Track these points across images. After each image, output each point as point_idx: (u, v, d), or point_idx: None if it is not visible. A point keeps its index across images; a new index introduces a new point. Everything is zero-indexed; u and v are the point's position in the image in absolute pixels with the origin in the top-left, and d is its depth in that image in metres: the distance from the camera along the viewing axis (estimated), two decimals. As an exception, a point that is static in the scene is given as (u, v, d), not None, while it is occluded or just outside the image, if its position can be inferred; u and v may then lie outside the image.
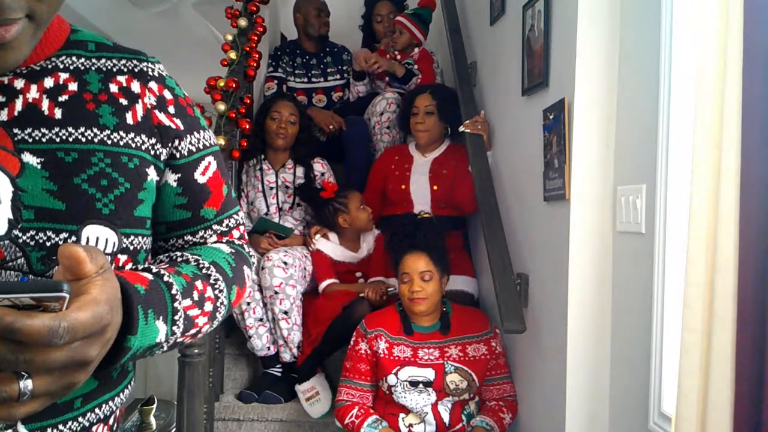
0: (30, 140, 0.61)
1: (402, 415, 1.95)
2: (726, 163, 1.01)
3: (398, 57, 3.02)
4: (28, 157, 0.61)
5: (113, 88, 0.69)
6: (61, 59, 0.67)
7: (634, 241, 1.45)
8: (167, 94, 0.73)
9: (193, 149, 0.74)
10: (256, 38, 2.66)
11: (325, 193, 2.48)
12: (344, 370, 2.03)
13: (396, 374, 1.94)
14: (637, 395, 1.41)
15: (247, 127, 2.42)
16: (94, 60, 0.69)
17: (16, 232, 0.59)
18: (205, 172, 0.76)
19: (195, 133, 0.75)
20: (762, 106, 1.00)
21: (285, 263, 2.28)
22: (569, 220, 1.58)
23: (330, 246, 2.48)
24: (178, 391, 1.73)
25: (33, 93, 0.63)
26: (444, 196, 2.51)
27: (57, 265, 0.54)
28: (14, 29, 0.55)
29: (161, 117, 0.71)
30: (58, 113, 0.64)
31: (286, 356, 2.32)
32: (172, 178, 0.73)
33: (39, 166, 0.61)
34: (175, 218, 0.75)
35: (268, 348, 2.33)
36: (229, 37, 2.62)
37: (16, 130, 0.61)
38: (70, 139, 0.63)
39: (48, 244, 0.60)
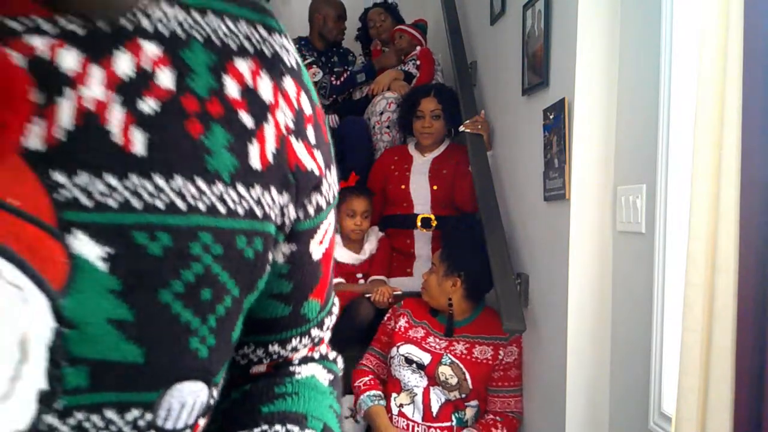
0: (89, 204, 0.30)
1: (394, 394, 1.99)
2: (726, 163, 1.01)
3: (402, 57, 3.04)
4: (83, 245, 0.30)
5: (230, 87, 0.36)
6: (143, 4, 0.34)
7: (634, 241, 1.46)
8: (305, 103, 0.41)
9: (323, 204, 0.43)
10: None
11: (342, 182, 2.50)
12: (373, 338, 2.19)
13: (398, 348, 2.02)
14: (637, 395, 1.41)
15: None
16: (195, 15, 0.36)
17: (49, 418, 0.29)
18: (323, 240, 0.45)
19: (329, 173, 0.44)
20: (762, 106, 1.00)
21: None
22: (569, 220, 1.58)
23: None
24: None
25: (94, 87, 0.31)
26: (444, 195, 2.51)
27: None
28: None
29: (300, 152, 0.40)
30: (137, 141, 0.32)
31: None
32: (282, 252, 0.42)
33: (105, 267, 0.30)
34: (267, 314, 0.44)
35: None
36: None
37: (58, 177, 0.29)
38: (160, 205, 0.32)
39: None
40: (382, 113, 2.81)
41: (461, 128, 2.31)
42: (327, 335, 0.51)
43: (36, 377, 0.28)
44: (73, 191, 0.30)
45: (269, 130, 0.37)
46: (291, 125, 0.39)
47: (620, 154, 1.54)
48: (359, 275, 2.51)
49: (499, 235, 1.99)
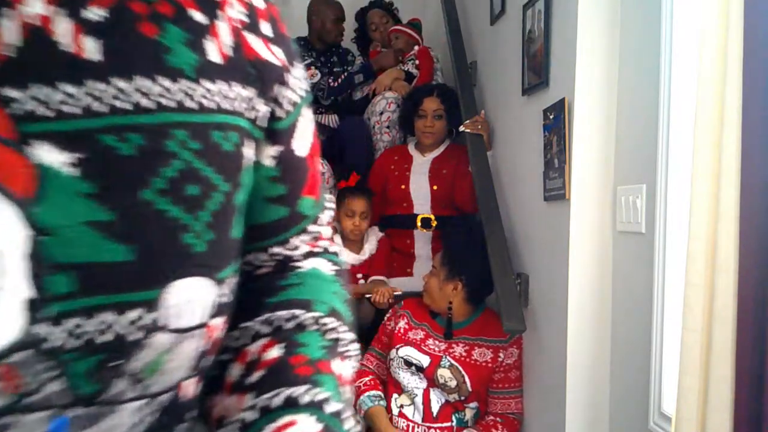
0: (49, 114, 0.30)
1: (395, 395, 1.99)
2: (726, 163, 1.01)
3: (400, 57, 3.03)
4: (47, 154, 0.30)
5: None
6: None
7: (634, 241, 1.45)
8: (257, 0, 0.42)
9: (296, 99, 0.44)
10: (256, 38, 2.65)
11: (342, 182, 2.53)
12: (374, 338, 2.19)
13: (397, 349, 2.01)
14: (637, 395, 1.41)
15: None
16: None
17: (43, 327, 0.30)
18: (304, 137, 0.46)
19: (295, 68, 0.45)
20: (762, 106, 1.00)
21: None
22: (569, 220, 1.58)
23: None
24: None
25: (34, 4, 0.31)
26: (444, 195, 2.51)
27: (123, 376, 0.32)
28: None
29: (256, 45, 0.40)
30: (90, 48, 0.32)
31: (286, 356, 2.31)
32: (268, 154, 0.44)
33: (74, 173, 0.31)
34: (267, 219, 0.46)
35: (268, 348, 2.33)
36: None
37: (10, 92, 0.30)
38: (125, 105, 0.32)
39: (105, 339, 0.32)
40: (382, 113, 2.81)
41: (461, 128, 2.31)
42: (325, 230, 0.53)
43: (19, 287, 0.28)
44: (29, 104, 0.30)
45: (222, 26, 0.38)
46: (245, 20, 0.40)
47: (620, 154, 1.54)
48: (359, 275, 2.51)
49: (499, 235, 1.99)
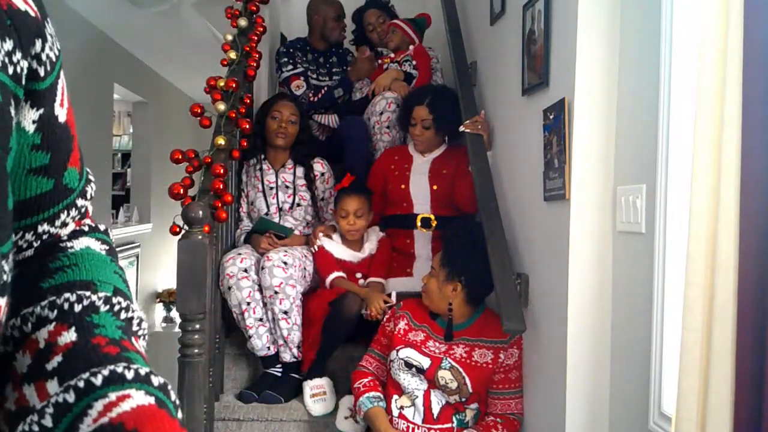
0: None
1: (395, 396, 1.99)
2: (726, 163, 1.01)
3: (391, 56, 3.03)
4: None
5: None
6: None
7: (634, 241, 1.46)
8: None
9: (53, 57, 0.42)
10: (256, 38, 2.66)
11: (337, 185, 2.55)
12: (373, 339, 2.18)
13: (398, 351, 2.00)
14: (637, 395, 1.41)
15: (247, 127, 2.42)
16: None
17: None
18: (63, 101, 0.45)
19: (48, 23, 0.43)
20: (762, 106, 1.00)
21: (285, 263, 2.28)
22: (569, 220, 1.58)
23: (332, 245, 2.49)
24: (178, 391, 1.72)
25: None
26: (444, 195, 2.51)
27: None
28: None
29: None
30: None
31: (286, 356, 2.32)
32: (30, 118, 0.41)
33: None
34: (30, 193, 0.43)
35: (268, 348, 2.33)
36: (229, 37, 2.62)
37: None
38: None
39: None
40: (381, 113, 2.81)
41: (461, 128, 2.31)
42: (90, 206, 0.51)
43: None
44: None
45: None
46: None
47: (620, 154, 1.54)
48: (359, 275, 2.51)
49: (499, 235, 1.98)
